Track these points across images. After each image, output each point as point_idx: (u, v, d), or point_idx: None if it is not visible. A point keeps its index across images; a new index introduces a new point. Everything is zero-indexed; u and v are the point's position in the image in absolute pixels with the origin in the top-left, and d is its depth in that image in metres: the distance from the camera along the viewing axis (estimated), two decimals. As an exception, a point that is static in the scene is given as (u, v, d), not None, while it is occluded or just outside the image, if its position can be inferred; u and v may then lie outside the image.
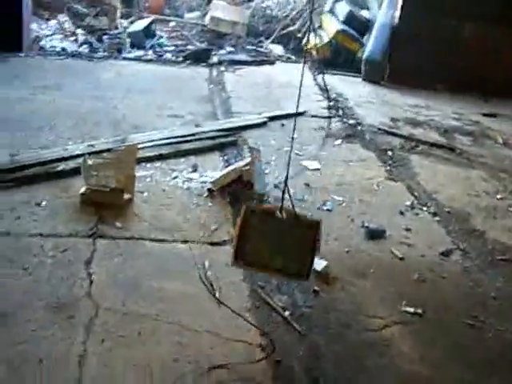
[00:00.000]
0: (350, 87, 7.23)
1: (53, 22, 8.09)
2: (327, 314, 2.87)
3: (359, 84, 7.50)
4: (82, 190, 3.54)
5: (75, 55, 7.18)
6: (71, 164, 3.91)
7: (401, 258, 3.48)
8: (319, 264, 3.17)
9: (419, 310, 2.99)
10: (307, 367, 2.50)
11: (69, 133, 4.57)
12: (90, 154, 3.83)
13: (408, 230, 3.83)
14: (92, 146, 4.19)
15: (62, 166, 3.88)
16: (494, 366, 2.72)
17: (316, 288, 3.04)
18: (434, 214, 4.12)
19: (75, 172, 3.78)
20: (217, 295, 2.83)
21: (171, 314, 2.64)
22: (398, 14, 7.56)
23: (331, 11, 8.69)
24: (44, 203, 3.47)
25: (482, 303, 3.17)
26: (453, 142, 5.68)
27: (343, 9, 8.47)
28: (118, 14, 8.42)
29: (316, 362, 2.54)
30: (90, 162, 3.61)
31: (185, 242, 3.30)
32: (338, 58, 8.16)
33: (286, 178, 2.67)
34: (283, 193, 2.63)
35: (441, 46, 7.48)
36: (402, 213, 4.05)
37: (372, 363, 2.59)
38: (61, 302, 2.62)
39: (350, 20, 8.31)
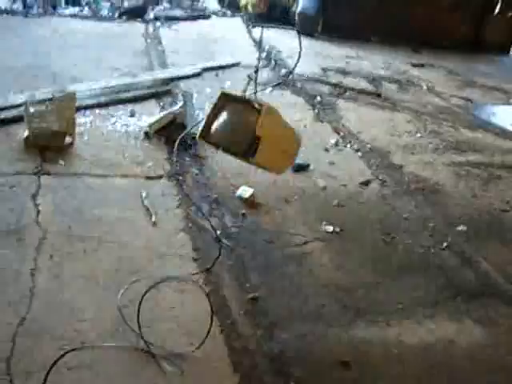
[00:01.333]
0: (284, 40, 7.52)
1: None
2: (253, 232, 3.28)
3: (293, 37, 7.79)
4: (26, 134, 3.84)
5: (10, 12, 7.33)
6: (13, 112, 4.17)
7: (323, 188, 3.91)
8: (246, 191, 3.58)
9: (337, 229, 3.42)
10: (234, 275, 2.90)
11: (8, 86, 4.80)
12: (30, 102, 4.08)
13: (331, 164, 4.26)
14: (32, 95, 4.45)
15: (3, 115, 4.14)
16: (401, 271, 3.17)
17: (243, 212, 3.44)
18: (357, 151, 4.56)
19: (18, 120, 4.06)
20: (153, 219, 3.20)
21: (112, 235, 3.01)
22: (330, -33, 7.93)
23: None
24: (-11, 147, 3.77)
25: (395, 223, 3.63)
26: (379, 89, 6.13)
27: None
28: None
29: (242, 271, 2.94)
30: (31, 108, 3.90)
31: (123, 176, 3.65)
32: (274, 12, 8.49)
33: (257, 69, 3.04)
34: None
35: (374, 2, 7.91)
36: (326, 149, 4.49)
37: (292, 271, 3.01)
38: (11, 228, 2.95)
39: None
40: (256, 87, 3.20)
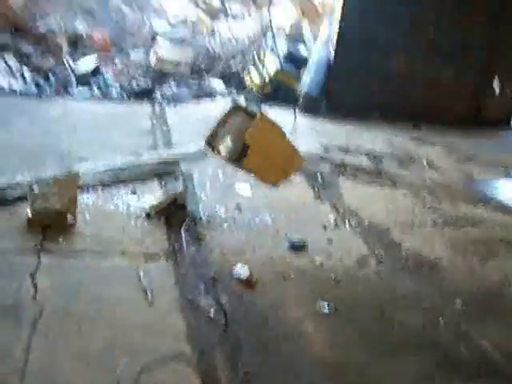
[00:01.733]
0: (288, 119, 7.77)
1: (-1, 63, 8.48)
2: (248, 311, 3.31)
3: (298, 117, 8.05)
4: (28, 213, 3.94)
5: (22, 94, 7.60)
6: (19, 192, 4.29)
7: (320, 265, 3.95)
8: (241, 270, 3.63)
9: (332, 307, 3.45)
10: (228, 354, 2.92)
11: (16, 165, 4.93)
12: (35, 182, 4.20)
13: (329, 241, 4.32)
14: (38, 175, 4.57)
15: (8, 194, 4.26)
16: (396, 349, 3.18)
17: (239, 291, 3.48)
18: (355, 228, 4.62)
19: (22, 199, 4.17)
20: (149, 298, 3.25)
21: (107, 314, 3.05)
22: (332, 49, 8.20)
23: (271, 48, 9.30)
24: (-7, 226, 3.87)
25: (391, 300, 3.65)
26: (380, 166, 6.24)
27: (282, 46, 9.10)
28: (65, 53, 8.87)
29: (236, 350, 2.96)
30: (35, 188, 4.02)
31: (122, 254, 3.72)
32: (278, 92, 8.72)
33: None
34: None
35: (374, 78, 8.13)
36: (325, 227, 4.55)
37: (286, 349, 3.02)
38: (7, 305, 3.00)
39: (289, 56, 8.92)
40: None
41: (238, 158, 3.52)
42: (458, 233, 4.79)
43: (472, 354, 3.19)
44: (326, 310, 3.41)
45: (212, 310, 3.22)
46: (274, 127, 3.53)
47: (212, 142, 3.59)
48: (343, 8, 7.96)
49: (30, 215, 3.92)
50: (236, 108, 3.59)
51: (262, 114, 3.58)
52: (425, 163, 6.55)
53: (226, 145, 3.56)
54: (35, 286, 3.22)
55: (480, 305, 3.73)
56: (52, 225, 3.90)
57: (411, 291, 3.78)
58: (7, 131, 5.93)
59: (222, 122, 3.55)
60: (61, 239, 3.79)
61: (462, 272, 4.14)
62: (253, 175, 3.71)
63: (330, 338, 3.18)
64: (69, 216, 4.03)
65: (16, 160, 5.07)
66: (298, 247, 4.13)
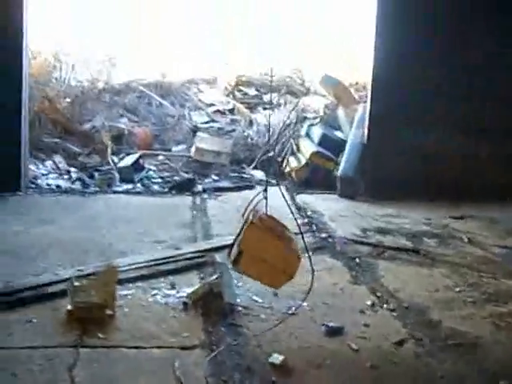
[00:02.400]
0: (326, 204, 7.88)
1: (48, 162, 8.90)
2: (283, 400, 3.30)
3: (335, 200, 8.16)
4: (69, 307, 4.07)
5: (68, 191, 7.94)
6: (60, 286, 4.44)
7: (356, 350, 3.92)
8: (276, 358, 3.64)
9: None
10: None
11: (59, 260, 5.14)
12: (76, 276, 4.36)
13: (366, 325, 4.29)
14: (80, 270, 4.74)
15: (51, 289, 4.42)
16: None
17: (273, 379, 3.48)
18: (393, 310, 4.59)
19: (63, 293, 4.31)
20: (183, 388, 3.29)
21: (142, 405, 3.10)
22: (366, 132, 8.36)
23: (307, 135, 9.53)
24: (35, 320, 4.00)
25: (429, 382, 3.60)
26: (419, 245, 6.21)
27: (317, 132, 9.32)
28: (109, 152, 9.26)
29: None
30: (76, 283, 4.16)
31: (159, 347, 3.78)
32: (316, 177, 8.87)
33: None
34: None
35: (410, 158, 8.22)
36: (362, 311, 4.53)
37: None
38: (45, 400, 3.08)
39: (325, 141, 9.11)
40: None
41: (236, 263, 3.64)
42: (501, 309, 4.70)
43: None
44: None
45: (246, 400, 3.22)
46: (272, 230, 3.67)
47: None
48: (372, 89, 8.12)
49: (70, 308, 4.03)
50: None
51: (261, 216, 3.74)
52: (465, 239, 6.50)
53: (233, 251, 3.75)
54: (72, 380, 3.28)
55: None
56: (91, 318, 4.00)
57: (451, 372, 3.71)
58: (54, 227, 6.20)
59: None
60: (99, 333, 3.87)
61: (505, 350, 4.05)
62: (255, 280, 3.86)
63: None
64: (108, 309, 4.12)
65: (59, 254, 5.30)
66: (334, 333, 4.12)
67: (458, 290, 5.06)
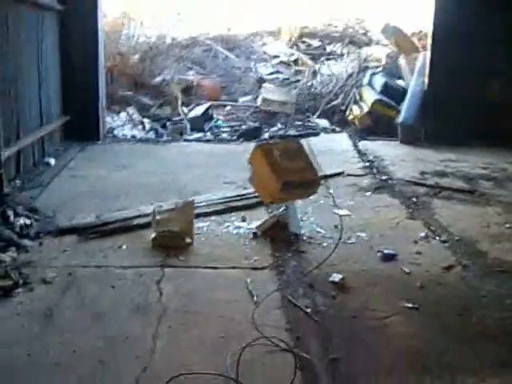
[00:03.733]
0: (387, 149, 8.30)
1: (123, 114, 9.60)
2: (340, 309, 3.85)
3: (396, 146, 8.58)
4: (153, 235, 4.71)
5: (143, 140, 8.65)
6: (144, 220, 5.10)
7: (408, 273, 4.43)
8: (336, 276, 4.20)
9: (416, 305, 3.92)
10: (320, 341, 3.48)
11: (140, 199, 5.80)
12: (158, 210, 4.98)
13: (418, 253, 4.77)
14: (160, 206, 5.36)
15: (136, 221, 5.08)
16: (474, 339, 3.57)
17: (333, 293, 4.04)
18: (444, 242, 5.05)
19: (147, 226, 4.96)
20: (254, 299, 3.88)
21: (220, 311, 3.70)
22: (426, 80, 8.68)
23: (369, 84, 9.90)
24: (124, 247, 4.67)
25: (473, 300, 4.05)
26: (475, 187, 6.60)
27: (379, 81, 9.68)
28: (180, 103, 9.89)
29: (328, 341, 3.51)
30: (158, 216, 4.80)
31: (232, 268, 4.39)
32: (378, 125, 9.27)
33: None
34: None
35: (469, 106, 8.51)
36: (415, 242, 5.01)
37: (372, 339, 3.53)
38: (140, 306, 3.73)
39: (386, 90, 9.47)
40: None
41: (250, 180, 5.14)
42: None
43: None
44: (410, 307, 3.87)
45: (308, 308, 3.79)
46: (268, 157, 4.87)
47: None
48: (433, 38, 8.39)
49: (154, 237, 4.67)
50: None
51: (263, 144, 5.26)
52: (522, 182, 6.83)
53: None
54: (160, 291, 3.93)
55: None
56: (172, 245, 4.64)
57: (493, 292, 4.16)
58: (131, 172, 6.88)
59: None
60: (180, 256, 4.51)
61: (546, 275, 4.45)
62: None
63: (412, 331, 3.65)
64: (187, 237, 4.75)
65: (141, 194, 5.96)
66: (388, 259, 4.63)
67: (508, 226, 5.45)
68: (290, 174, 4.85)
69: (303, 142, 8.54)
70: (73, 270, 4.23)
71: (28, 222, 4.97)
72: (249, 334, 3.42)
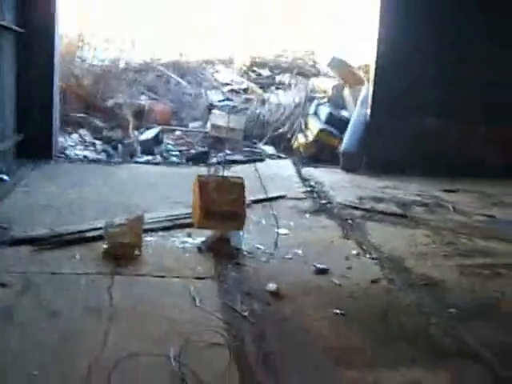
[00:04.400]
0: (329, 176, 8.93)
1: (75, 135, 10.02)
2: (274, 314, 4.36)
3: (338, 173, 9.23)
4: (104, 246, 5.16)
5: (95, 161, 9.08)
6: (96, 233, 5.54)
7: (338, 284, 4.98)
8: (271, 286, 4.71)
9: (343, 311, 4.46)
10: (254, 339, 3.98)
11: (93, 215, 6.23)
12: (109, 224, 5.43)
13: (349, 268, 5.33)
14: (111, 221, 5.81)
15: (88, 234, 5.52)
16: (392, 340, 4.09)
17: (268, 301, 4.55)
18: (374, 259, 5.63)
19: (99, 238, 5.41)
20: (196, 303, 4.37)
21: (164, 312, 4.17)
22: (368, 112, 9.37)
23: (315, 113, 10.57)
24: (77, 256, 5.11)
25: (394, 308, 4.62)
26: (408, 212, 7.24)
27: (325, 111, 10.35)
28: (131, 126, 10.37)
29: (261, 339, 4.01)
30: (109, 229, 5.26)
31: (178, 277, 4.87)
32: (322, 153, 9.92)
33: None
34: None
35: (408, 136, 9.23)
36: (347, 258, 5.57)
37: (301, 338, 4.05)
38: (92, 307, 4.17)
39: (331, 120, 10.15)
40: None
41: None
42: (468, 261, 5.69)
43: (452, 342, 4.12)
44: (337, 313, 4.41)
45: (245, 312, 4.29)
46: (202, 186, 5.55)
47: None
48: (375, 71, 9.11)
49: (105, 248, 5.13)
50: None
51: (201, 175, 5.87)
52: (451, 208, 7.50)
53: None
54: (111, 295, 4.38)
55: (472, 311, 4.61)
56: (122, 256, 5.09)
57: (414, 302, 4.74)
58: (84, 190, 7.31)
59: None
60: (129, 266, 4.97)
61: (462, 289, 5.05)
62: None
63: (338, 333, 4.18)
64: (136, 249, 5.22)
65: (93, 211, 6.38)
66: (321, 272, 5.18)
67: (434, 246, 6.07)
68: (214, 205, 5.43)
69: (251, 167, 9.17)
70: (29, 276, 4.64)
71: (-16, 232, 5.35)
72: (190, 333, 3.89)
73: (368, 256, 5.69)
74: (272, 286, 4.74)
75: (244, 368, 3.62)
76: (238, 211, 5.53)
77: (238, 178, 5.83)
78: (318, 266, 5.27)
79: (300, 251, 5.66)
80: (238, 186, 5.67)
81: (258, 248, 5.65)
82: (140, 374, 3.41)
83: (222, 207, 5.44)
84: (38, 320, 3.98)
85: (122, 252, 5.13)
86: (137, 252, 5.23)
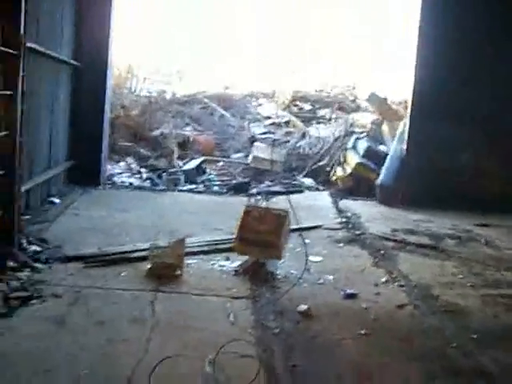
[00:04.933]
0: (365, 208, 9.32)
1: (122, 163, 10.64)
2: (303, 331, 4.75)
3: (374, 206, 9.60)
4: (148, 266, 5.65)
5: (140, 188, 9.64)
6: (140, 254, 6.03)
7: (365, 308, 5.35)
8: (302, 307, 5.12)
9: (368, 332, 4.83)
10: (284, 353, 4.38)
11: (138, 238, 6.73)
12: (153, 245, 5.91)
13: (377, 294, 5.69)
14: (155, 243, 6.30)
15: (134, 255, 6.02)
16: (413, 359, 4.44)
17: (298, 320, 4.95)
18: (402, 286, 5.98)
19: (143, 259, 5.90)
20: (231, 319, 4.79)
21: (203, 325, 4.60)
22: (405, 147, 9.76)
23: (354, 147, 10.99)
24: (123, 274, 5.60)
25: (417, 331, 4.96)
26: (439, 244, 7.57)
27: (363, 145, 10.77)
28: (175, 156, 10.95)
29: (290, 353, 4.41)
30: (154, 249, 5.75)
31: (216, 295, 5.31)
32: (359, 186, 10.32)
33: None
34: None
35: (443, 173, 9.58)
36: (376, 284, 5.94)
37: (327, 354, 4.44)
38: (136, 318, 4.64)
39: (369, 154, 10.56)
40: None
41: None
42: (493, 291, 5.99)
43: (470, 363, 4.45)
44: (362, 333, 4.78)
45: (276, 329, 4.70)
46: (245, 215, 6.11)
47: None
48: (412, 108, 9.53)
49: (149, 266, 5.60)
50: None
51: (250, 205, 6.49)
52: (483, 242, 7.80)
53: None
54: (153, 309, 4.85)
55: (493, 337, 4.92)
56: (165, 275, 5.56)
57: (436, 326, 5.07)
58: (129, 214, 7.84)
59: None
60: (171, 284, 5.44)
61: (485, 316, 5.35)
62: None
63: (362, 351, 4.55)
64: (178, 270, 5.69)
65: (138, 234, 6.88)
66: (349, 297, 5.55)
67: (461, 276, 6.39)
68: (251, 233, 5.94)
69: (290, 198, 9.62)
70: (79, 289, 5.14)
71: (39, 249, 5.89)
72: (224, 343, 4.30)
73: (396, 284, 6.03)
74: (303, 307, 5.13)
75: (272, 378, 4.00)
76: (273, 241, 5.94)
77: (283, 210, 6.31)
78: (348, 291, 5.64)
79: (331, 277, 6.04)
80: (280, 217, 6.11)
81: (291, 273, 6.04)
82: (177, 376, 3.83)
83: (258, 236, 5.90)
84: (87, 327, 4.45)
85: (164, 272, 5.58)
86: (178, 272, 5.69)
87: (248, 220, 6.00)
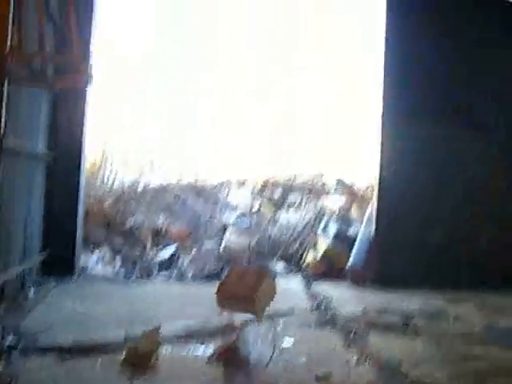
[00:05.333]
0: (336, 290, 9.55)
1: (96, 254, 10.82)
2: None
3: (345, 288, 9.86)
4: (124, 356, 5.79)
5: (114, 278, 9.81)
6: (115, 344, 6.17)
7: (337, 388, 5.54)
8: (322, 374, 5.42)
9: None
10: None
11: (112, 328, 6.85)
12: (128, 336, 6.07)
13: (349, 374, 5.88)
14: (130, 333, 6.44)
15: (109, 345, 6.16)
16: None
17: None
18: (373, 365, 6.18)
19: (118, 349, 6.04)
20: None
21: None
22: (373, 229, 10.12)
23: (324, 231, 11.32)
24: (98, 365, 5.73)
25: None
26: (409, 322, 7.80)
27: (333, 229, 11.11)
28: (149, 245, 11.17)
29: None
30: (128, 340, 5.92)
31: None
32: (331, 269, 10.59)
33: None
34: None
35: (411, 252, 9.93)
36: (347, 364, 6.13)
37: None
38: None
39: (339, 237, 10.88)
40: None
41: None
42: (461, 365, 6.22)
43: None
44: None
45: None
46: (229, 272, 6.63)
47: None
48: (379, 191, 9.94)
49: (124, 357, 5.75)
50: None
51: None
52: (451, 318, 8.07)
53: None
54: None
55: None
56: (140, 364, 5.71)
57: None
58: (103, 305, 7.98)
59: None
60: (145, 373, 5.58)
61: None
62: None
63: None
64: (152, 358, 5.84)
65: (113, 325, 7.02)
66: (322, 378, 5.74)
67: (430, 353, 6.62)
68: (231, 287, 6.26)
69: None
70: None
71: (14, 341, 6.03)
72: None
73: (367, 362, 6.22)
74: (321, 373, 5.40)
75: None
76: (249, 295, 6.18)
77: (266, 268, 6.69)
78: (319, 372, 5.82)
79: (302, 359, 6.22)
80: (260, 274, 6.47)
81: (264, 357, 6.21)
82: None
83: (237, 290, 6.23)
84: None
85: (138, 361, 5.73)
86: (153, 360, 5.83)
87: (231, 276, 6.39)
